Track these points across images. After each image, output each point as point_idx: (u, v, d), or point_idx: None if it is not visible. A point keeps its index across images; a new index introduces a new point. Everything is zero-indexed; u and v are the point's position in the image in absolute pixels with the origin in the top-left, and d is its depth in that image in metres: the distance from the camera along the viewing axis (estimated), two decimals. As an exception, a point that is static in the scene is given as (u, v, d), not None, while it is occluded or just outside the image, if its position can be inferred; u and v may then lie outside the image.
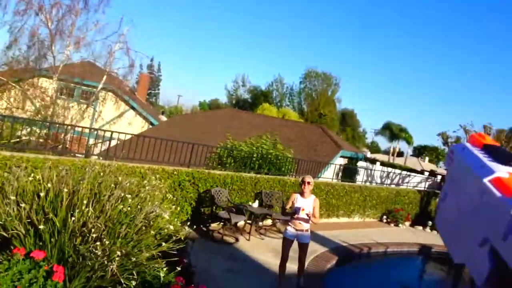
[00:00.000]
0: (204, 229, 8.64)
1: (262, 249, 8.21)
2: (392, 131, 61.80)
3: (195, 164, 9.19)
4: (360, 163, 19.74)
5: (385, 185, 16.83)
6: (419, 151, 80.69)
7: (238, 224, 9.05)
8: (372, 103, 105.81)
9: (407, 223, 15.17)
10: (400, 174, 18.84)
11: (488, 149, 1.32)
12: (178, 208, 7.63)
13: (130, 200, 4.77)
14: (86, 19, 13.21)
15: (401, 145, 65.57)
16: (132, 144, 8.42)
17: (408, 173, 19.69)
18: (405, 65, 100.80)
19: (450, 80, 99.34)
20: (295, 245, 6.12)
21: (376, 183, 17.31)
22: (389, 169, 19.61)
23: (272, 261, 7.54)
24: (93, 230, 4.39)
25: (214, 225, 8.93)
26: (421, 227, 15.25)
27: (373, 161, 24.28)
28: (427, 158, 79.94)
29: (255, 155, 10.69)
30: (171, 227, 5.20)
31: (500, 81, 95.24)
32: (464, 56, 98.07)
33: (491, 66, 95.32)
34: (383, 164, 23.54)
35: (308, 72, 56.88)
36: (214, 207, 8.49)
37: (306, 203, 5.95)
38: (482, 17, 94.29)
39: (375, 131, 70.27)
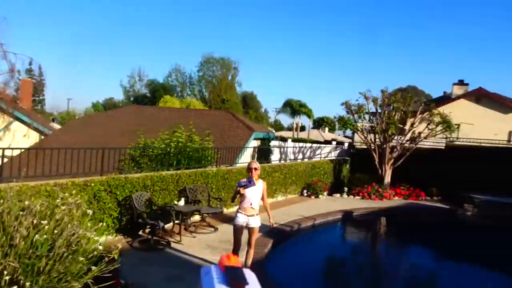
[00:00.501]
0: (131, 239, 7.94)
1: (197, 247, 7.82)
2: (293, 108, 64.54)
3: (108, 170, 8.37)
4: (273, 142, 20.05)
5: (299, 160, 17.31)
6: (319, 123, 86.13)
7: (167, 227, 8.50)
8: (270, 83, 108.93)
9: (326, 193, 15.84)
10: (311, 147, 19.50)
11: (227, 271, 1.44)
12: (100, 223, 6.84)
13: (46, 226, 4.04)
14: None
15: (302, 119, 68.97)
16: (29, 159, 7.30)
17: (318, 145, 20.52)
18: (296, 43, 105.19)
19: (341, 52, 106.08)
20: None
21: (290, 159, 17.71)
22: (301, 144, 20.24)
23: (210, 257, 7.22)
24: (5, 272, 3.63)
25: (141, 233, 8.26)
26: (338, 195, 16.06)
27: (283, 139, 24.90)
28: (326, 129, 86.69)
29: (172, 151, 10.09)
30: (100, 247, 4.57)
31: (389, 47, 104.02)
32: (352, 27, 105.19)
33: (380, 33, 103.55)
34: (292, 140, 24.20)
35: (206, 59, 56.27)
36: (138, 214, 7.82)
37: (255, 188, 5.91)
38: None
39: (277, 109, 73.12)
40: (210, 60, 56.49)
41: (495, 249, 10.69)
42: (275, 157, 17.16)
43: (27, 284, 3.50)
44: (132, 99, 65.40)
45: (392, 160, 16.72)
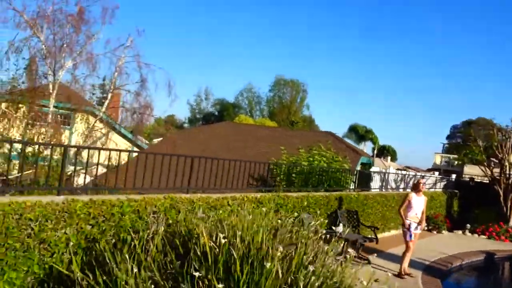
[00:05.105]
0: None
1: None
2: (358, 133, 62.95)
3: (237, 186, 7.29)
4: (373, 168, 18.92)
5: (388, 190, 16.03)
6: (381, 152, 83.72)
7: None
8: (328, 107, 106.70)
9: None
10: (415, 175, 18.14)
11: None
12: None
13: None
14: (87, 32, 11.42)
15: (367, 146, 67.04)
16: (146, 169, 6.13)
17: (422, 174, 19.12)
18: (357, 68, 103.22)
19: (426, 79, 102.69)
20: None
21: (392, 188, 16.47)
22: (403, 172, 18.95)
23: None
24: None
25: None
26: (460, 232, 14.55)
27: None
28: (389, 158, 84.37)
29: (317, 170, 9.41)
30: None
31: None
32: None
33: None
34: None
35: (277, 80, 56.41)
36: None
37: (420, 201, 7.58)
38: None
39: (342, 135, 71.74)
40: (281, 82, 56.56)
41: None
42: (375, 184, 16.05)
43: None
44: (198, 116, 66.70)
45: (519, 197, 15.03)
